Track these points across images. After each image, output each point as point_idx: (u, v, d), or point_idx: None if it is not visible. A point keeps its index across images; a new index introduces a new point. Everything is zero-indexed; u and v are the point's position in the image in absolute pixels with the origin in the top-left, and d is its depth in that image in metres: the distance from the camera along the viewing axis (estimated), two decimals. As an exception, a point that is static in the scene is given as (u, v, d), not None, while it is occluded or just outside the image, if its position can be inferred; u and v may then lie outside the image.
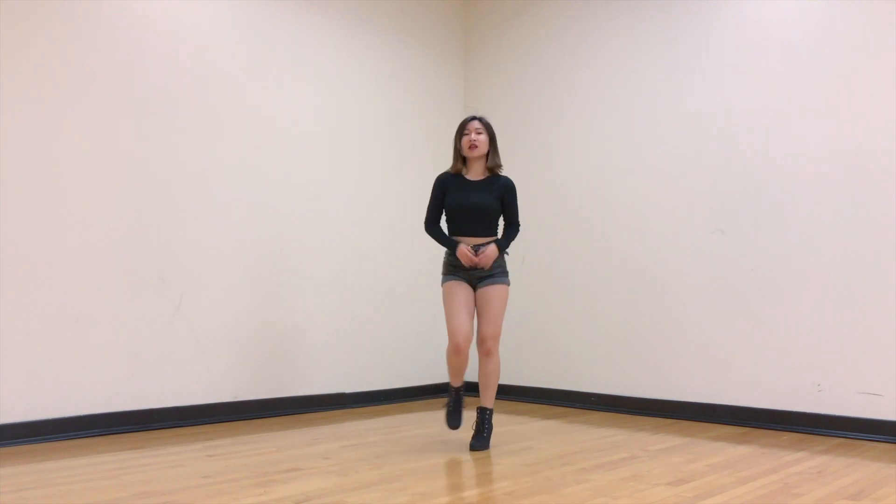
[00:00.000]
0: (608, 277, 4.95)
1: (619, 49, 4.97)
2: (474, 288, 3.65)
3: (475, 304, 3.68)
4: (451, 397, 3.76)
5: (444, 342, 3.70)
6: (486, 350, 3.61)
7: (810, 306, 4.13)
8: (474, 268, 3.59)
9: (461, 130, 3.67)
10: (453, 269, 3.65)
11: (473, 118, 3.68)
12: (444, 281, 3.68)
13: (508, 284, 3.67)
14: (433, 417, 4.47)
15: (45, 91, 3.73)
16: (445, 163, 3.84)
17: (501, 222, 3.77)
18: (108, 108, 3.94)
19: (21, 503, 2.59)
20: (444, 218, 3.74)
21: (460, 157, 3.69)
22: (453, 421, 3.75)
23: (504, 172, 3.74)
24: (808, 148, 4.18)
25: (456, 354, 3.60)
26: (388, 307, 5.20)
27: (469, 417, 3.79)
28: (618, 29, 4.98)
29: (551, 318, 5.22)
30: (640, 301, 4.79)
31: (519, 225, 3.75)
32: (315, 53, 4.87)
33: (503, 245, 3.67)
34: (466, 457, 3.40)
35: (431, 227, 3.74)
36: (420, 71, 5.51)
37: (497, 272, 3.63)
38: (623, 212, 4.90)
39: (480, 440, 3.61)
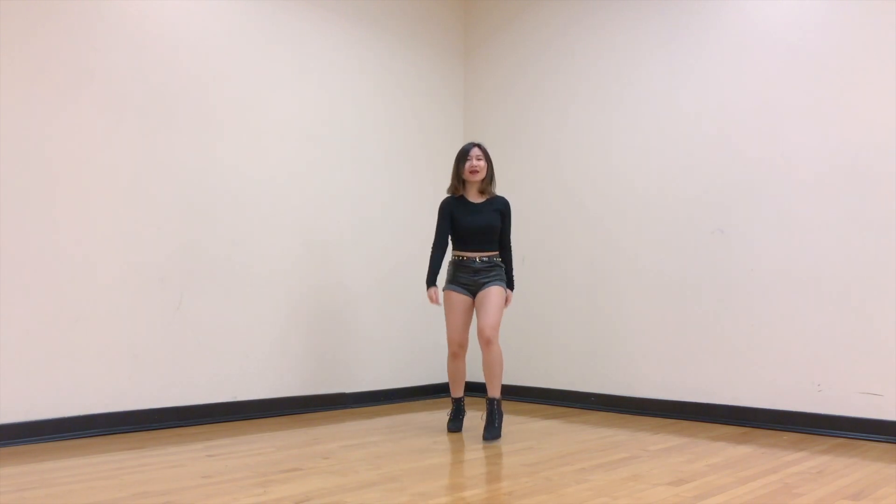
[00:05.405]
0: (609, 277, 4.95)
1: (619, 49, 4.98)
2: (475, 294, 3.92)
3: (475, 308, 3.94)
4: (452, 407, 4.10)
5: (444, 342, 3.78)
6: (486, 339, 3.79)
7: (810, 306, 4.13)
8: (476, 273, 3.88)
9: (464, 156, 3.91)
10: (455, 278, 3.93)
11: (474, 145, 3.94)
12: (444, 288, 3.96)
13: (505, 288, 3.93)
14: (433, 418, 4.48)
15: (45, 91, 3.73)
16: (444, 163, 3.86)
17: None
18: (107, 108, 3.94)
19: (21, 503, 2.59)
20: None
21: (460, 181, 3.95)
22: (454, 426, 4.04)
23: (499, 184, 4.02)
24: (808, 148, 4.18)
25: (452, 360, 3.97)
26: (388, 307, 5.20)
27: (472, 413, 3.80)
28: (618, 29, 4.98)
29: (552, 317, 5.22)
30: (640, 300, 4.79)
31: (511, 247, 4.05)
32: (315, 53, 4.87)
33: (510, 280, 3.99)
34: (466, 457, 3.40)
35: (433, 252, 4.00)
36: (420, 71, 5.51)
37: (495, 279, 3.91)
38: (623, 211, 4.90)
39: (492, 430, 3.78)
